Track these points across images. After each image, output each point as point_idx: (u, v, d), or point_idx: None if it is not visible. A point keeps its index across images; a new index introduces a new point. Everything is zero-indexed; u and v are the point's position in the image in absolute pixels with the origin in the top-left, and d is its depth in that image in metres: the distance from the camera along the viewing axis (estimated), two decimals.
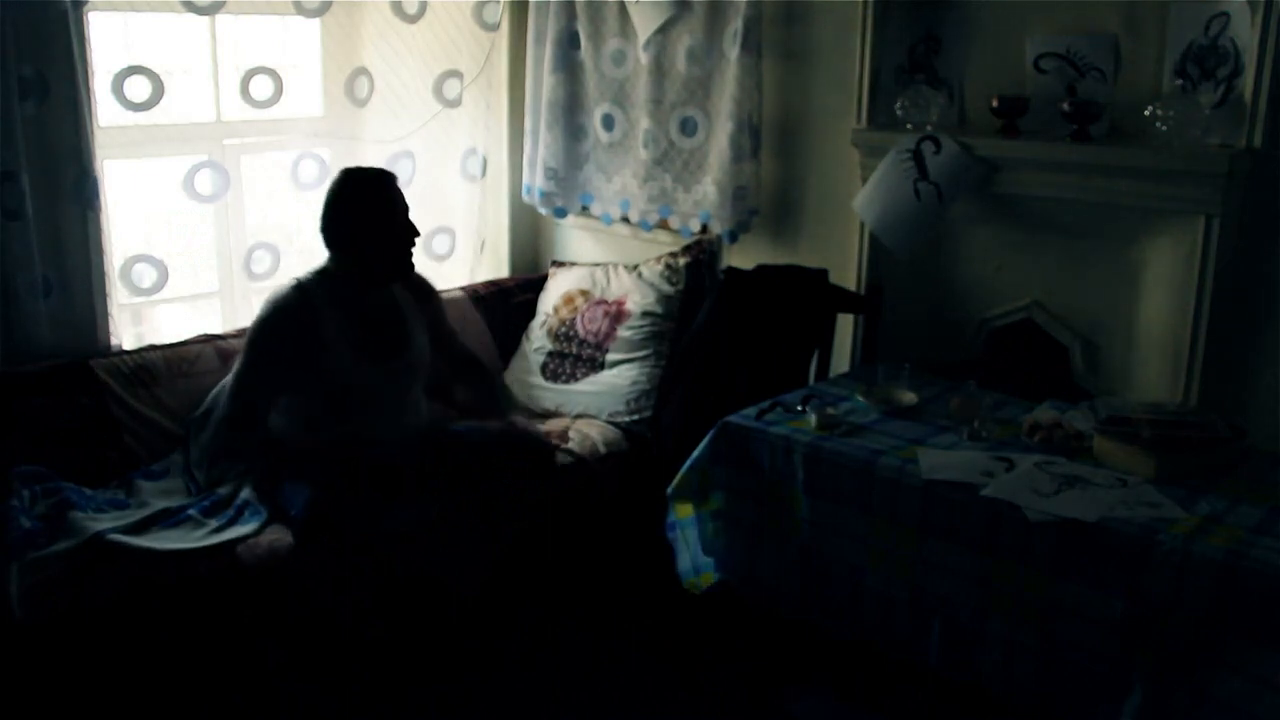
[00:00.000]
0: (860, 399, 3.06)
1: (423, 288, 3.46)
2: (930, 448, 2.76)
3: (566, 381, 3.87)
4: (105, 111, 3.45)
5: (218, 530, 2.96)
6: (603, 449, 3.59)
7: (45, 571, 2.69)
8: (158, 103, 3.50)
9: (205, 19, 3.67)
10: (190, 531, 2.95)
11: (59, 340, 3.34)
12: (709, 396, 3.36)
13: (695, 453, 2.99)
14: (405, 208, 3.25)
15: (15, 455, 3.03)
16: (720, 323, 3.50)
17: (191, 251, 4.18)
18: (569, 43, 4.14)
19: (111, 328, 3.46)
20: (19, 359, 3.25)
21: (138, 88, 3.46)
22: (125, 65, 3.46)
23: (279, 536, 2.96)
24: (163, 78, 3.50)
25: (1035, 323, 3.32)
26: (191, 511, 3.03)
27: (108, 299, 3.43)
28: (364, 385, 3.18)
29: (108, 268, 3.43)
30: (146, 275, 3.61)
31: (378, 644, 3.02)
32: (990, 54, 3.31)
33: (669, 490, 3.01)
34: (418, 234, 3.29)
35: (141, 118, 3.54)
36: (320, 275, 3.21)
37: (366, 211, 3.19)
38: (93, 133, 3.31)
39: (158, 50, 3.73)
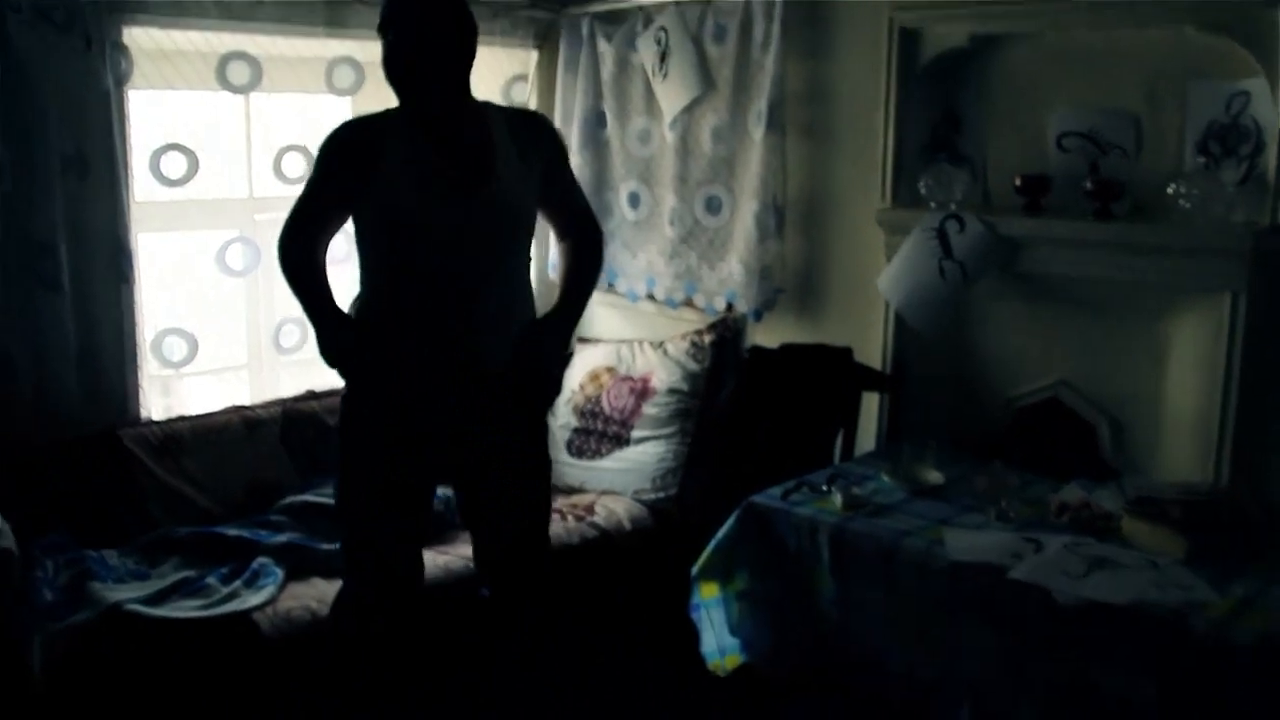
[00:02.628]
0: (886, 478, 3.05)
1: (534, 126, 2.85)
2: (957, 528, 2.73)
3: (592, 458, 3.87)
4: (141, 186, 3.52)
5: (234, 596, 2.99)
6: (628, 525, 3.58)
7: (66, 643, 2.69)
8: (193, 179, 3.57)
9: (240, 97, 3.74)
10: (208, 599, 2.97)
11: (89, 410, 3.38)
12: (734, 475, 3.35)
13: (720, 532, 2.97)
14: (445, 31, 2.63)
15: (43, 523, 3.06)
16: (745, 401, 3.51)
17: (221, 324, 4.23)
18: (595, 121, 4.21)
19: (141, 399, 3.51)
20: (50, 428, 3.28)
21: (174, 164, 3.53)
22: (163, 142, 3.53)
23: (296, 604, 2.98)
24: (198, 154, 3.57)
25: (1061, 401, 3.30)
26: (210, 579, 3.06)
27: (138, 370, 3.48)
28: (435, 226, 2.62)
29: (139, 339, 3.48)
30: (177, 348, 3.66)
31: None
32: (1012, 132, 3.34)
33: (694, 570, 2.98)
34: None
35: (176, 193, 3.61)
36: (389, 110, 2.70)
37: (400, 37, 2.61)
38: (129, 207, 3.38)
39: (194, 127, 3.81)
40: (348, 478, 2.77)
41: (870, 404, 3.60)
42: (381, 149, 2.61)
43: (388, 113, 2.69)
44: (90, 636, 2.73)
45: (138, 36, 3.42)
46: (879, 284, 3.46)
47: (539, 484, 2.92)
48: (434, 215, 2.61)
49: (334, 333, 2.64)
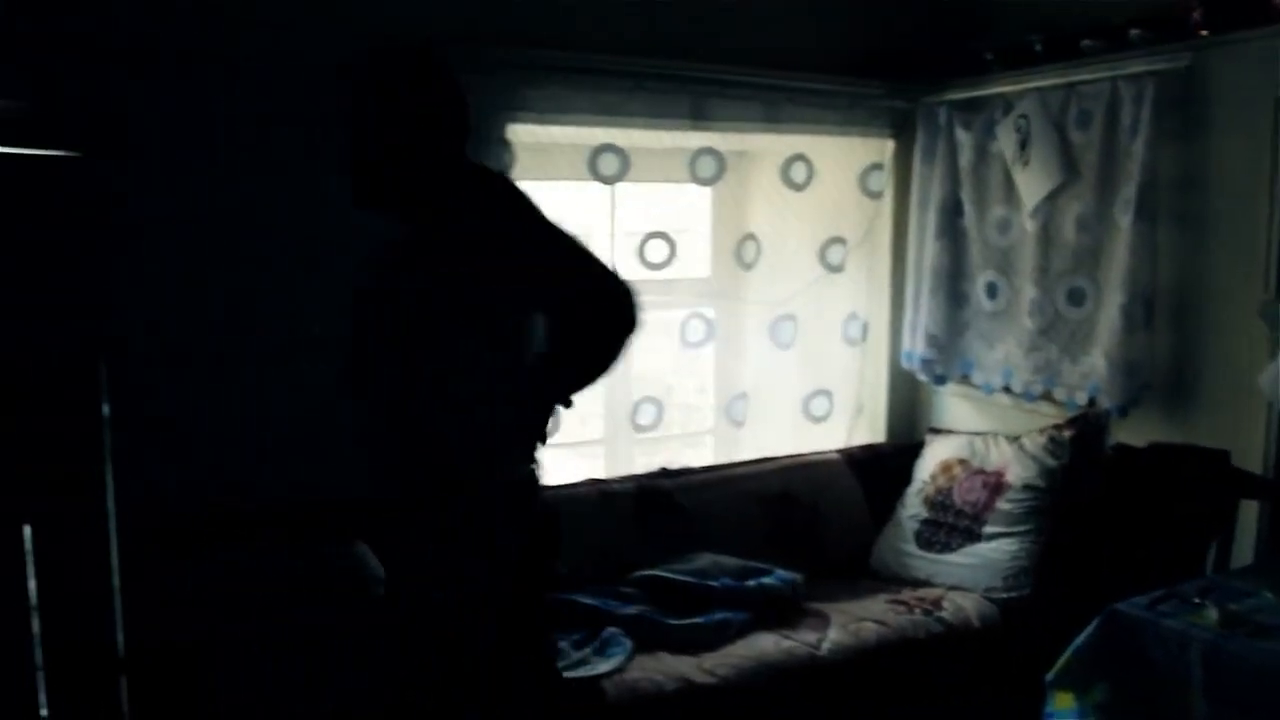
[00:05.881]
0: (1268, 595, 2.80)
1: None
2: None
3: (941, 551, 3.79)
4: None
5: (585, 662, 3.11)
6: (976, 623, 3.48)
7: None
8: None
9: (607, 187, 3.95)
10: (560, 662, 3.05)
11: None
12: (1093, 579, 3.20)
13: (1079, 638, 2.82)
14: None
15: None
16: (1108, 501, 3.34)
17: (581, 401, 4.42)
18: (953, 210, 4.17)
19: None
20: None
21: None
22: None
23: (643, 675, 3.06)
24: None
25: None
26: (562, 644, 3.18)
27: None
28: None
29: None
30: None
31: None
32: None
33: (1049, 676, 2.85)
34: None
35: None
36: None
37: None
38: None
39: (563, 215, 4.04)
40: None
41: (1249, 512, 3.34)
42: None
43: None
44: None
45: (519, 132, 3.68)
46: (1260, 382, 3.23)
47: None
48: None
49: None
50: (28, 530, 2.95)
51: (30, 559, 2.94)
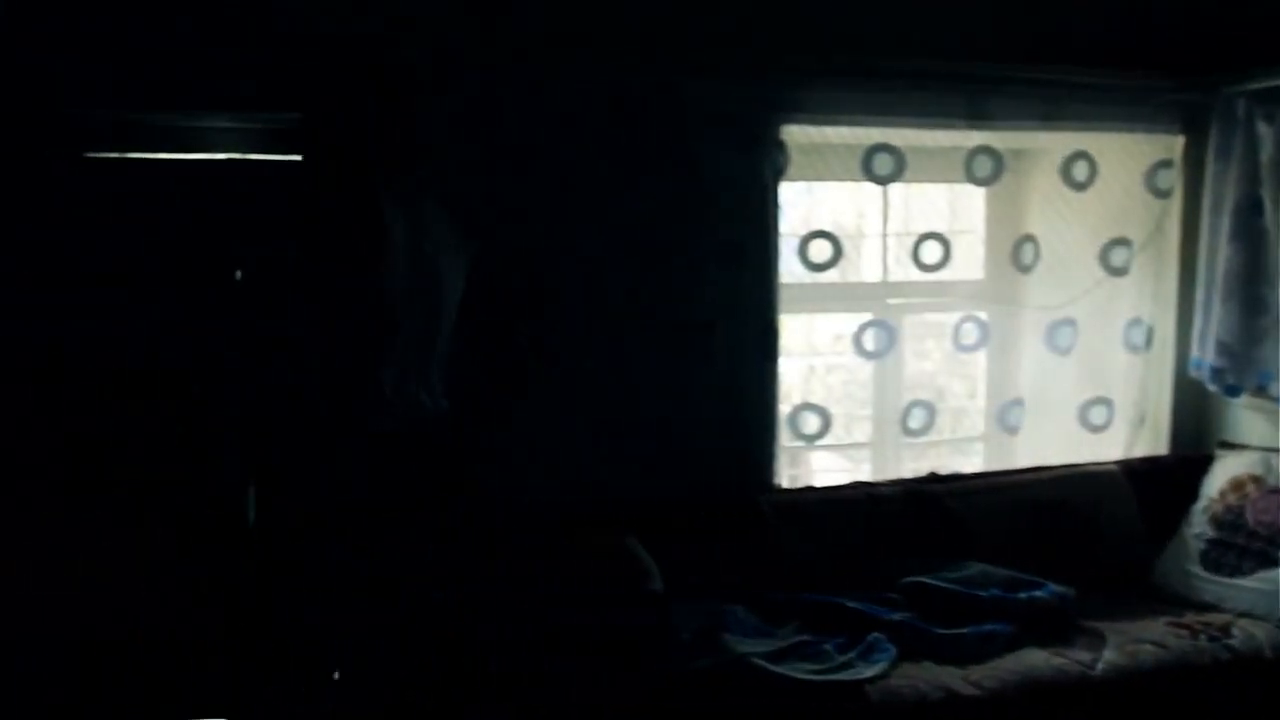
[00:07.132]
0: None
1: None
2: None
3: (1231, 574, 3.58)
4: (786, 270, 3.77)
5: (849, 666, 3.08)
6: (1269, 653, 3.26)
7: (697, 681, 2.93)
8: (835, 264, 3.80)
9: (880, 187, 3.91)
10: (824, 665, 3.08)
11: (729, 473, 3.67)
12: None
13: None
14: None
15: (686, 572, 3.30)
16: None
17: (850, 403, 4.40)
18: (1250, 210, 3.92)
19: (775, 468, 3.75)
20: (695, 487, 3.61)
21: (819, 250, 3.78)
22: (809, 230, 3.79)
23: (906, 683, 3.02)
24: (841, 241, 3.80)
25: None
26: (826, 646, 3.17)
27: (775, 441, 3.73)
28: None
29: (778, 413, 3.74)
30: (810, 422, 3.89)
31: None
32: None
33: None
34: None
35: (818, 277, 3.84)
36: None
37: None
38: (777, 290, 3.66)
39: (836, 215, 4.05)
40: None
41: None
42: None
43: None
44: (717, 680, 2.95)
45: (794, 133, 3.70)
46: None
47: None
48: None
49: None
50: None
51: None
